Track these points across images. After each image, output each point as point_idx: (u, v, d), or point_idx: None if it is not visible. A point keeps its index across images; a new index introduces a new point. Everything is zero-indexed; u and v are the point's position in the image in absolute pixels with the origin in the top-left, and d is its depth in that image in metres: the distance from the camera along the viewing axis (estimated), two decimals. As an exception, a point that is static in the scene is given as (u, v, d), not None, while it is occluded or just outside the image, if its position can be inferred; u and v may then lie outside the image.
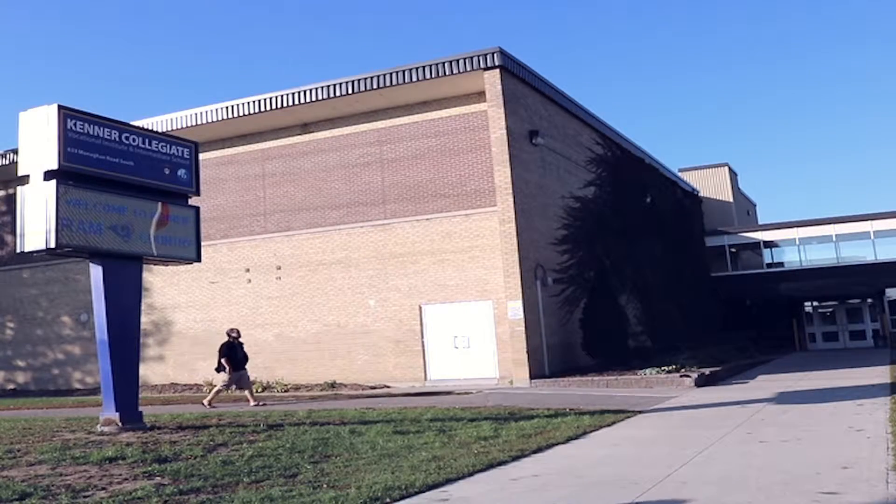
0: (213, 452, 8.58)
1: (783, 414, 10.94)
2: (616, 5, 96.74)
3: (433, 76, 18.70)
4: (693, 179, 37.78)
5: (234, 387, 16.12)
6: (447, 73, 18.63)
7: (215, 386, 16.31)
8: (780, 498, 5.78)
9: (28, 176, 10.48)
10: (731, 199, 39.19)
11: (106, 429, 10.46)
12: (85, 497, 6.47)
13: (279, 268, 21.39)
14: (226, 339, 16.16)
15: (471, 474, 7.18)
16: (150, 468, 7.64)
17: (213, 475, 7.20)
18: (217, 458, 8.19)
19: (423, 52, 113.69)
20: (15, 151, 22.10)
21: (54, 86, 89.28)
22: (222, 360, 15.79)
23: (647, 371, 17.25)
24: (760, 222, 42.17)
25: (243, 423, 11.15)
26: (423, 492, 6.45)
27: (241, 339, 16.34)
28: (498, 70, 18.57)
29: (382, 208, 20.30)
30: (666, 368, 17.48)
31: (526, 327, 17.84)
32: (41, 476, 7.30)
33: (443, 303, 19.29)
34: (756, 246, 35.28)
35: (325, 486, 6.67)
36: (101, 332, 10.74)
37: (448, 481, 6.83)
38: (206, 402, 15.57)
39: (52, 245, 10.05)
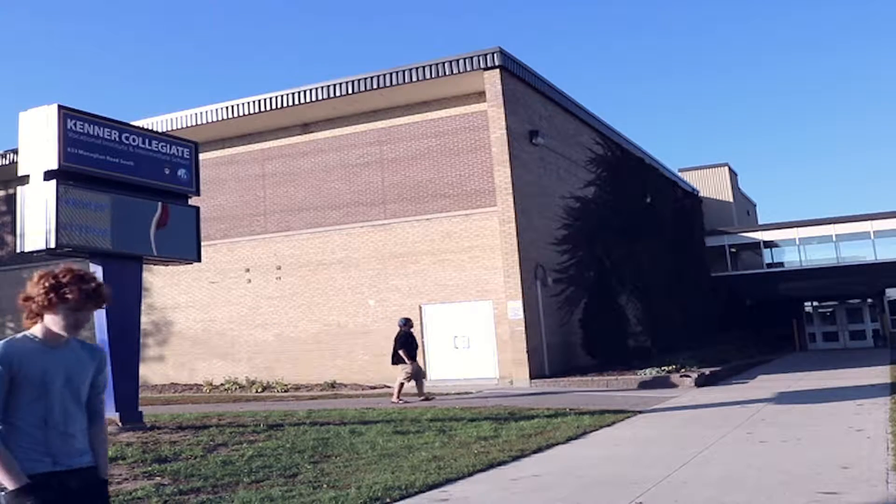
0: (213, 452, 8.58)
1: (783, 414, 10.94)
2: (616, 5, 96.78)
3: (433, 76, 18.70)
4: (693, 179, 37.77)
5: (410, 380, 15.13)
6: (447, 73, 18.62)
7: (397, 379, 15.25)
8: (780, 498, 5.78)
9: (28, 176, 10.48)
10: (731, 199, 39.18)
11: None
12: (85, 497, 6.46)
13: (279, 268, 21.39)
14: (398, 329, 15.35)
15: (471, 474, 7.18)
16: (150, 468, 7.64)
17: (213, 475, 7.20)
18: (217, 458, 8.19)
19: (423, 52, 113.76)
20: (15, 151, 22.09)
21: (54, 86, 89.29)
22: (400, 352, 15.00)
23: (647, 371, 17.25)
24: (760, 222, 42.16)
25: (243, 423, 11.15)
26: (423, 492, 6.45)
27: (412, 329, 15.58)
28: (498, 70, 18.56)
29: (382, 208, 20.30)
30: (666, 368, 17.48)
31: (526, 327, 17.83)
32: (41, 476, 7.29)
33: (443, 303, 19.29)
34: (756, 246, 35.27)
35: (325, 486, 6.67)
36: (101, 332, 10.74)
37: (448, 481, 6.83)
38: (395, 399, 14.68)
39: (52, 245, 10.05)
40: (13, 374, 2.75)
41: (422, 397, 14.99)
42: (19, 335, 2.89)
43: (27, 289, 2.90)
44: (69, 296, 2.84)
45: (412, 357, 15.05)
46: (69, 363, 2.92)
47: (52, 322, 2.88)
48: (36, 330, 2.91)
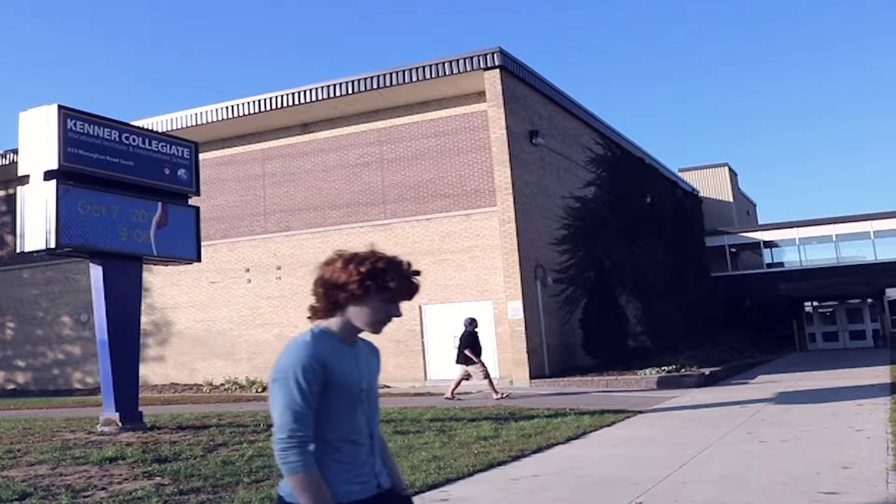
0: (213, 452, 8.58)
1: (783, 414, 10.94)
2: (616, 5, 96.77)
3: (433, 76, 18.70)
4: (693, 179, 37.77)
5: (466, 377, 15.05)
6: (447, 73, 18.63)
7: (481, 378, 15.00)
8: (780, 498, 5.78)
9: (28, 176, 10.49)
10: (731, 199, 39.18)
11: (106, 429, 10.46)
12: (85, 497, 6.47)
13: (279, 268, 21.39)
14: (463, 329, 15.19)
15: (471, 474, 7.17)
16: (150, 468, 7.63)
17: (213, 475, 7.20)
18: (217, 458, 8.19)
19: (423, 52, 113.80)
20: (15, 151, 22.09)
21: (54, 86, 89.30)
22: (465, 351, 14.86)
23: (647, 371, 17.25)
24: (760, 222, 42.15)
25: (243, 423, 11.15)
26: (423, 492, 6.45)
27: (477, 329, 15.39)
28: (498, 70, 18.56)
29: (382, 208, 20.30)
30: (666, 368, 17.47)
31: (526, 327, 17.83)
32: (41, 476, 7.30)
33: (443, 303, 19.28)
34: (756, 246, 35.27)
35: (325, 486, 6.66)
36: (101, 332, 10.75)
37: (448, 481, 6.83)
38: (496, 396, 14.51)
39: (52, 245, 10.06)
40: (326, 375, 2.25)
41: (451, 396, 14.86)
42: (315, 329, 2.36)
43: (329, 275, 2.35)
44: (391, 284, 2.33)
45: (478, 356, 14.94)
46: (365, 363, 2.46)
47: (358, 315, 2.36)
48: (332, 324, 2.38)
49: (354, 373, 2.35)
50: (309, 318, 2.41)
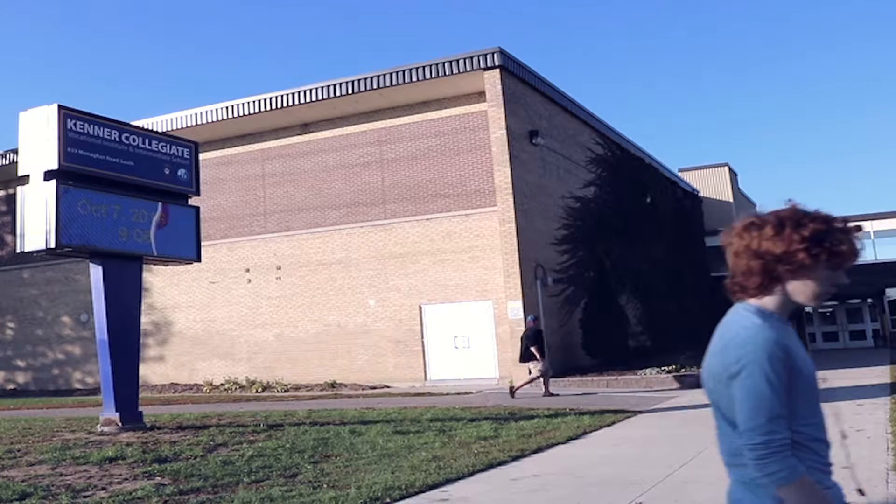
0: (213, 452, 8.58)
1: (783, 414, 10.92)
2: (616, 5, 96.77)
3: (433, 76, 18.70)
4: (693, 179, 37.77)
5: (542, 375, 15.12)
6: (447, 73, 18.63)
7: (531, 374, 15.26)
8: (780, 498, 5.77)
9: (28, 176, 10.50)
10: (731, 199, 39.17)
11: (106, 429, 10.46)
12: (85, 497, 6.47)
13: (279, 268, 21.40)
14: (526, 327, 15.33)
15: (471, 474, 7.18)
16: (150, 468, 7.64)
17: (213, 475, 7.20)
18: (217, 458, 8.19)
19: (423, 52, 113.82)
20: (15, 151, 22.09)
21: (54, 86, 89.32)
22: (532, 348, 14.96)
23: (647, 371, 17.25)
24: (760, 222, 42.06)
25: (243, 423, 11.15)
26: (423, 492, 6.45)
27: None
28: (498, 70, 18.57)
29: (382, 208, 20.30)
30: (666, 368, 17.48)
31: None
32: (41, 476, 7.30)
33: (443, 303, 19.29)
34: (756, 246, 35.18)
35: (325, 486, 6.67)
36: (101, 332, 10.75)
37: (448, 481, 6.83)
38: (515, 390, 14.68)
39: (52, 245, 10.07)
40: (790, 363, 1.91)
41: (548, 395, 14.93)
42: (752, 307, 2.01)
43: (759, 244, 1.97)
44: (843, 247, 1.95)
45: (543, 354, 15.07)
46: (803, 348, 2.04)
47: (801, 289, 1.99)
48: (766, 302, 2.00)
49: (807, 360, 1.99)
50: (736, 294, 2.08)
